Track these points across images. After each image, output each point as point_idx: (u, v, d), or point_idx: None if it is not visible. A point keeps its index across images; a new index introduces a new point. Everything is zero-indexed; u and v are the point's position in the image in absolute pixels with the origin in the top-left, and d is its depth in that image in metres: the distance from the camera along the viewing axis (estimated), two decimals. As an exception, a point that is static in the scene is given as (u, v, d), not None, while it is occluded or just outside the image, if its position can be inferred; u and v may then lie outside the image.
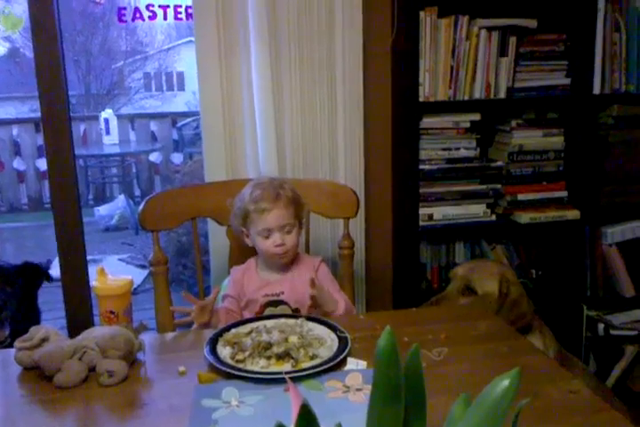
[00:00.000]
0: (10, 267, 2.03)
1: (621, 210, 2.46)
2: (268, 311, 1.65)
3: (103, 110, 6.64)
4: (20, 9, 2.53)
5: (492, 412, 0.50)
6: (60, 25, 2.19)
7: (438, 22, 2.20)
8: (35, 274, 2.06)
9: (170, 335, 1.54)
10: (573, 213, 2.37)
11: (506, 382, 0.51)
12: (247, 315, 1.64)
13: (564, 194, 2.43)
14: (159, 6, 2.78)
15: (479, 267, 1.95)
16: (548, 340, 1.85)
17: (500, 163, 2.39)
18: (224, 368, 1.23)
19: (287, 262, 1.68)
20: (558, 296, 2.45)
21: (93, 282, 1.44)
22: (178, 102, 9.81)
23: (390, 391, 0.51)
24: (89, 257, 2.42)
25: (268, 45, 2.09)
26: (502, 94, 2.30)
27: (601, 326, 2.49)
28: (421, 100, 2.22)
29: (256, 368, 1.24)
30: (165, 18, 2.77)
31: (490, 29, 2.24)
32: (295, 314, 1.58)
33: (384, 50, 2.30)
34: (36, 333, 1.28)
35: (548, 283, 2.50)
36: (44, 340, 1.27)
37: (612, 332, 2.48)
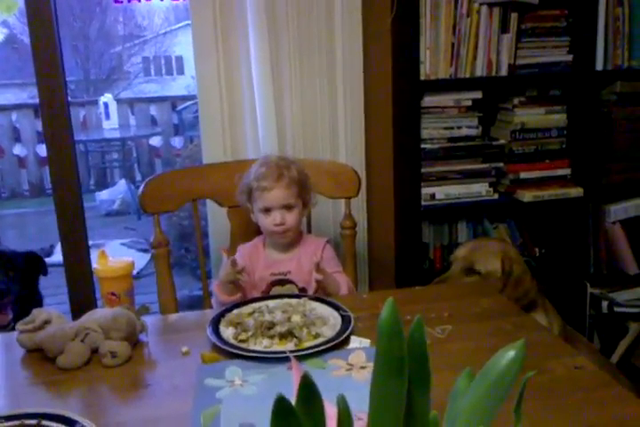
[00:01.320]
0: (11, 253, 2.03)
1: (625, 187, 2.45)
2: (275, 290, 1.65)
3: (102, 95, 6.61)
4: (15, -8, 2.50)
5: (497, 383, 0.50)
6: (57, 9, 2.17)
7: (438, -1, 2.17)
8: (35, 264, 2.06)
9: (172, 316, 1.54)
10: (576, 191, 2.36)
11: (512, 354, 0.50)
12: (254, 293, 1.65)
13: (566, 172, 2.41)
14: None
15: (481, 246, 1.94)
16: (551, 317, 1.84)
17: (502, 141, 2.37)
18: (227, 348, 1.22)
19: (287, 242, 1.69)
20: (562, 274, 2.45)
21: (94, 265, 1.43)
22: (177, 86, 9.77)
23: (393, 365, 0.50)
24: (91, 242, 2.41)
25: (266, 26, 2.07)
26: (504, 72, 2.28)
27: (605, 304, 2.48)
28: (422, 78, 2.20)
29: (259, 348, 1.24)
30: (162, -2, 2.73)
31: (491, 5, 2.21)
32: (298, 293, 1.58)
33: (384, 27, 2.27)
34: (38, 315, 1.28)
35: (552, 261, 2.49)
36: (47, 322, 1.27)
37: (616, 309, 2.48)
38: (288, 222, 1.63)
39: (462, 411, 0.51)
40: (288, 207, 1.63)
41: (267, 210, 1.64)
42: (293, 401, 0.54)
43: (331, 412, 0.51)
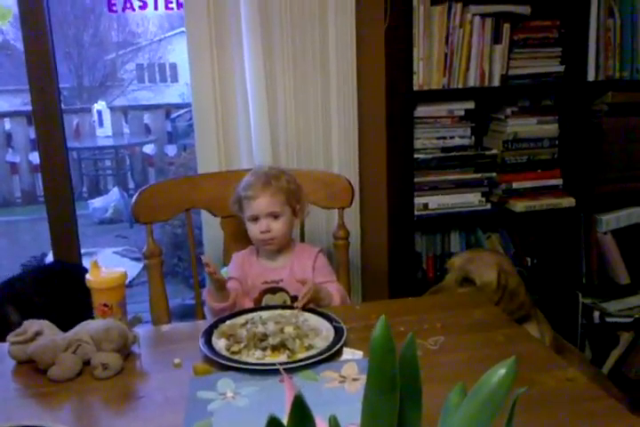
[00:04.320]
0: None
1: (616, 197, 2.46)
2: (267, 298, 1.66)
3: (96, 102, 6.61)
4: (9, -1, 2.50)
5: (488, 401, 0.50)
6: (50, 16, 2.18)
7: (431, 10, 2.18)
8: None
9: (165, 328, 1.53)
10: (568, 201, 2.37)
11: (502, 372, 0.50)
12: (247, 301, 1.65)
13: (558, 182, 2.42)
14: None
15: (476, 257, 1.93)
16: (543, 328, 1.84)
17: (494, 151, 2.39)
18: (219, 360, 1.22)
19: (275, 250, 1.69)
20: (553, 284, 2.46)
21: (87, 275, 1.42)
22: (171, 94, 9.75)
23: (385, 382, 0.50)
24: (83, 250, 2.41)
25: (260, 34, 2.07)
26: (496, 82, 2.29)
27: (596, 314, 2.49)
28: (415, 88, 2.21)
29: (251, 360, 1.23)
30: (156, 8, 2.74)
31: (483, 16, 2.23)
32: (291, 305, 1.58)
33: (377, 38, 2.29)
34: (29, 326, 1.27)
35: (544, 271, 2.50)
36: (38, 334, 1.26)
37: (608, 319, 2.48)
38: (274, 230, 1.64)
39: (454, 430, 0.51)
40: (275, 215, 1.65)
41: (254, 218, 1.66)
42: (285, 415, 0.54)
43: (323, 429, 0.51)
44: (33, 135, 5.43)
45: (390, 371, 0.50)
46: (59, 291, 2.07)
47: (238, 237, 1.84)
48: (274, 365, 1.19)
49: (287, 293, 1.67)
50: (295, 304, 1.48)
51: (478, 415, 0.50)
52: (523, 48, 2.31)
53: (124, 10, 2.74)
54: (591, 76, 2.32)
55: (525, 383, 0.60)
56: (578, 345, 2.42)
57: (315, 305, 1.55)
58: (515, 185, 2.38)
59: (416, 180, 2.28)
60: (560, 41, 2.33)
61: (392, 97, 2.32)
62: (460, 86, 2.26)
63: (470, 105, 2.32)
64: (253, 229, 1.66)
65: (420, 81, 2.22)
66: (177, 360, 1.25)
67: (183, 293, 3.71)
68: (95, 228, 5.48)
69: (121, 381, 1.20)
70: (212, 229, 2.09)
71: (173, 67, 10.49)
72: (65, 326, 1.32)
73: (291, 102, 2.17)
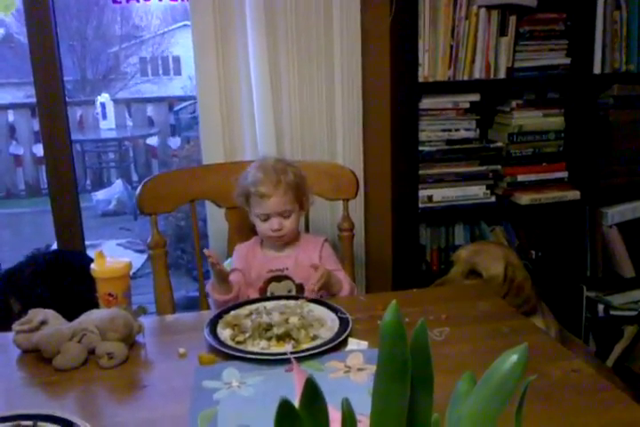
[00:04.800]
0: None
1: (622, 190, 2.46)
2: (272, 286, 1.66)
3: (99, 95, 6.61)
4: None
5: (500, 387, 0.49)
6: (54, 8, 2.17)
7: (437, 1, 2.17)
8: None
9: (169, 318, 1.54)
10: (573, 194, 2.36)
11: (514, 358, 0.50)
12: (251, 291, 1.65)
13: (564, 175, 2.42)
14: (154, -14, 2.75)
15: (483, 250, 1.92)
16: (548, 321, 1.84)
17: (499, 144, 2.38)
18: (225, 350, 1.22)
19: (284, 244, 1.69)
20: (558, 277, 2.45)
21: (92, 265, 1.42)
22: (174, 87, 9.75)
23: (396, 367, 0.50)
24: (87, 242, 2.41)
25: (265, 26, 2.07)
26: (502, 74, 2.28)
27: (601, 307, 2.49)
28: (420, 80, 2.20)
29: (256, 349, 1.23)
30: (160, -1, 2.73)
31: (489, 8, 2.22)
32: (296, 295, 1.58)
33: (383, 30, 2.28)
34: (34, 316, 1.28)
35: (548, 264, 2.49)
36: (43, 323, 1.27)
37: (612, 312, 2.48)
38: (286, 228, 1.64)
39: (465, 415, 0.51)
40: (286, 214, 1.64)
41: (264, 216, 1.64)
42: (293, 402, 0.54)
43: (332, 415, 0.50)
44: (37, 127, 5.44)
45: (401, 357, 0.50)
46: (60, 280, 2.06)
47: (243, 229, 1.84)
48: (280, 354, 1.19)
49: (292, 281, 1.67)
50: (310, 286, 1.49)
51: (490, 401, 0.50)
52: (529, 40, 2.29)
53: (128, 1, 2.73)
54: (597, 69, 2.31)
55: (531, 374, 0.60)
56: (582, 338, 2.42)
57: (326, 291, 1.55)
58: (520, 178, 2.38)
59: (421, 172, 2.27)
60: (566, 33, 2.32)
61: (397, 89, 2.31)
62: (466, 78, 2.25)
63: (476, 97, 2.31)
64: (264, 226, 1.65)
65: (425, 73, 2.21)
66: (182, 350, 1.25)
67: (187, 285, 3.72)
68: (99, 220, 5.48)
69: (126, 370, 1.20)
70: (216, 222, 2.08)
71: (177, 60, 10.47)
72: (67, 315, 1.32)
73: (295, 94, 2.17)
